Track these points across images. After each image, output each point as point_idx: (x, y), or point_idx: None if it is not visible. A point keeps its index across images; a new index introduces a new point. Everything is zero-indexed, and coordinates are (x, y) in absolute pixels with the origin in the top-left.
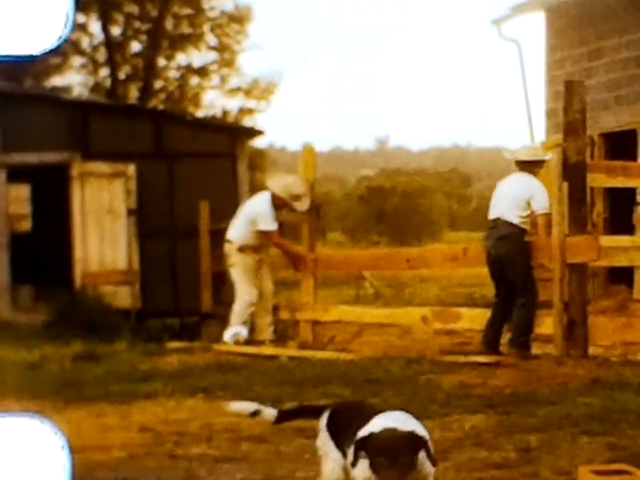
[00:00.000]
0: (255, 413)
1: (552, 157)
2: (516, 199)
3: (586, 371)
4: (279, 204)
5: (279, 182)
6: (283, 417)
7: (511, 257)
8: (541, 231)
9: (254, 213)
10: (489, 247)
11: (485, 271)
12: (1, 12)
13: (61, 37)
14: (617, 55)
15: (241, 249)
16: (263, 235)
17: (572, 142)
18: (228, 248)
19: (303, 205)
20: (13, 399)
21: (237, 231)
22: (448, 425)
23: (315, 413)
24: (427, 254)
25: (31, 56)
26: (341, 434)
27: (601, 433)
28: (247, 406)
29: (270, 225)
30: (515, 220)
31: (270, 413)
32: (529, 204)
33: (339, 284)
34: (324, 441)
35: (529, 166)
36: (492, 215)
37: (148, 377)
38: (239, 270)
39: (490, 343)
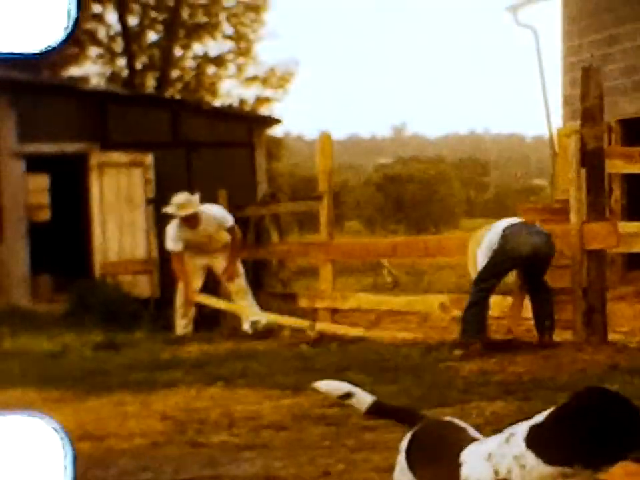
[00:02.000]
0: (346, 396)
1: (570, 144)
2: None
3: (605, 357)
4: (184, 220)
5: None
6: (375, 409)
7: (551, 255)
8: None
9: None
10: (538, 244)
11: None
12: (4, 9)
13: (64, 35)
14: (634, 41)
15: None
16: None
17: (589, 128)
18: None
19: (184, 211)
20: (34, 388)
21: None
22: (467, 412)
23: (410, 421)
24: (444, 241)
25: (35, 54)
26: (423, 466)
27: None
28: (338, 386)
29: (167, 244)
30: None
31: (364, 400)
32: None
33: (357, 272)
34: (400, 475)
35: None
36: (517, 221)
37: (168, 365)
38: None
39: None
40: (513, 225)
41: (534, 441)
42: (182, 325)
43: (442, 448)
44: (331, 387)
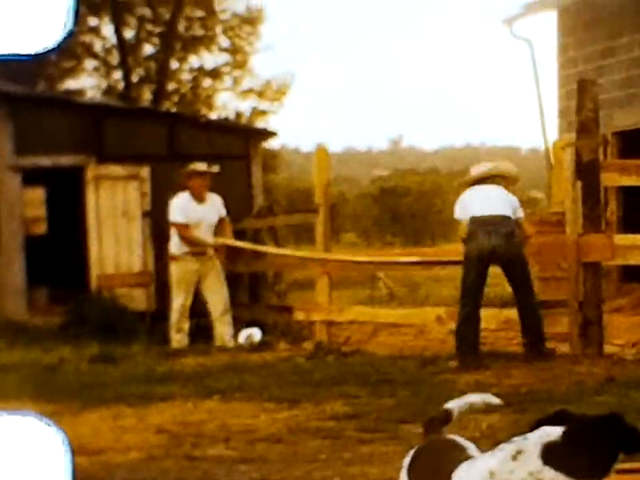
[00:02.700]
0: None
1: (565, 156)
2: (506, 202)
3: (601, 370)
4: (193, 187)
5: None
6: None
7: (522, 255)
8: (530, 229)
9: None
10: (494, 245)
11: (498, 270)
12: (1, 11)
13: (62, 36)
14: (630, 53)
15: (173, 258)
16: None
17: (585, 141)
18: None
19: (201, 166)
20: (30, 402)
21: (172, 240)
22: (464, 424)
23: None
24: (440, 254)
25: (33, 55)
26: None
27: None
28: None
29: (174, 216)
30: (513, 217)
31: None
32: (513, 210)
33: (354, 284)
34: None
35: (492, 180)
36: (488, 212)
37: (165, 378)
38: (174, 278)
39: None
40: (476, 221)
41: (552, 457)
42: (177, 338)
43: (438, 467)
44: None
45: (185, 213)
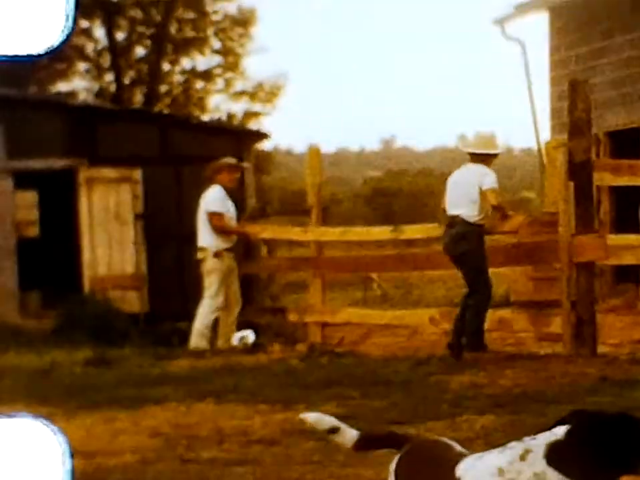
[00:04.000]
0: (332, 431)
1: (558, 157)
2: (469, 191)
3: (595, 370)
4: (223, 181)
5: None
6: (363, 443)
7: (464, 257)
8: (493, 199)
9: (205, 207)
10: (445, 247)
11: (492, 269)
12: (0, 12)
13: (61, 38)
14: (621, 54)
15: (217, 254)
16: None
17: (577, 141)
18: (202, 255)
19: (231, 160)
20: (23, 405)
21: (208, 236)
22: (458, 425)
23: (398, 444)
24: (434, 255)
25: (32, 56)
26: None
27: None
28: (326, 420)
29: (215, 206)
30: (472, 219)
31: (350, 435)
32: (480, 191)
33: (347, 286)
34: None
35: (481, 157)
36: (450, 211)
37: (158, 381)
38: (216, 276)
39: (452, 346)
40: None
41: (555, 458)
42: (203, 344)
43: (432, 466)
44: (318, 419)
45: (223, 204)
